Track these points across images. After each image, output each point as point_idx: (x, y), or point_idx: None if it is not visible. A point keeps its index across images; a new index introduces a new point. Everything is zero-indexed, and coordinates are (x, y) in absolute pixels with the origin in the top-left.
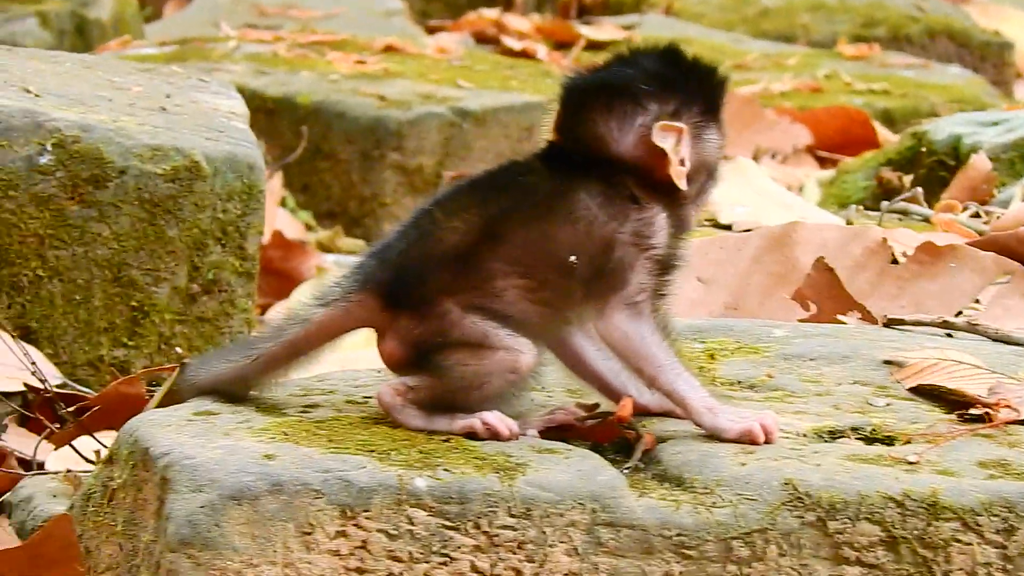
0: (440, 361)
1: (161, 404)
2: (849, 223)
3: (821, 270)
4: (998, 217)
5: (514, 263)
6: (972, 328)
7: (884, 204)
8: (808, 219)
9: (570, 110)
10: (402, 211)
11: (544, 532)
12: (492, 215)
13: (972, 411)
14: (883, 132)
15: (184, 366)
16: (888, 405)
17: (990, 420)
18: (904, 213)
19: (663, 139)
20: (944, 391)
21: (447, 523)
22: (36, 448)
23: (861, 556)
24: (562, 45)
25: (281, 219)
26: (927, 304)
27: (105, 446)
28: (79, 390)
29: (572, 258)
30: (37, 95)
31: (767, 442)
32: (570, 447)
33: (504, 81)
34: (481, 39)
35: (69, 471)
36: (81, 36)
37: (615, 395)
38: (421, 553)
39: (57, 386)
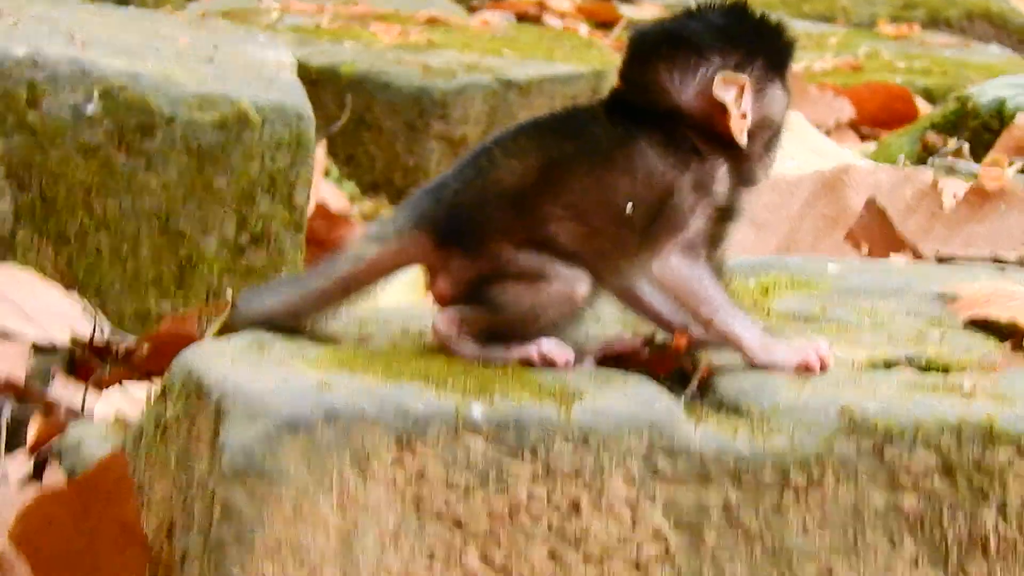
0: (496, 295)
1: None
2: None
3: (872, 211)
4: None
5: (570, 208)
6: (1023, 262)
7: (932, 160)
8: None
9: (635, 60)
10: None
11: (601, 460)
12: (552, 159)
13: None
14: (925, 108)
15: (236, 304)
16: (942, 336)
17: None
18: (951, 169)
19: (724, 91)
20: (998, 321)
21: (504, 451)
22: (84, 393)
23: (917, 483)
24: (603, 24)
25: (325, 190)
26: (977, 246)
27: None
28: (128, 344)
29: (629, 206)
30: (84, 44)
31: (822, 370)
32: (627, 375)
33: (548, 52)
34: (523, 18)
35: (120, 412)
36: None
37: (670, 326)
38: (478, 482)
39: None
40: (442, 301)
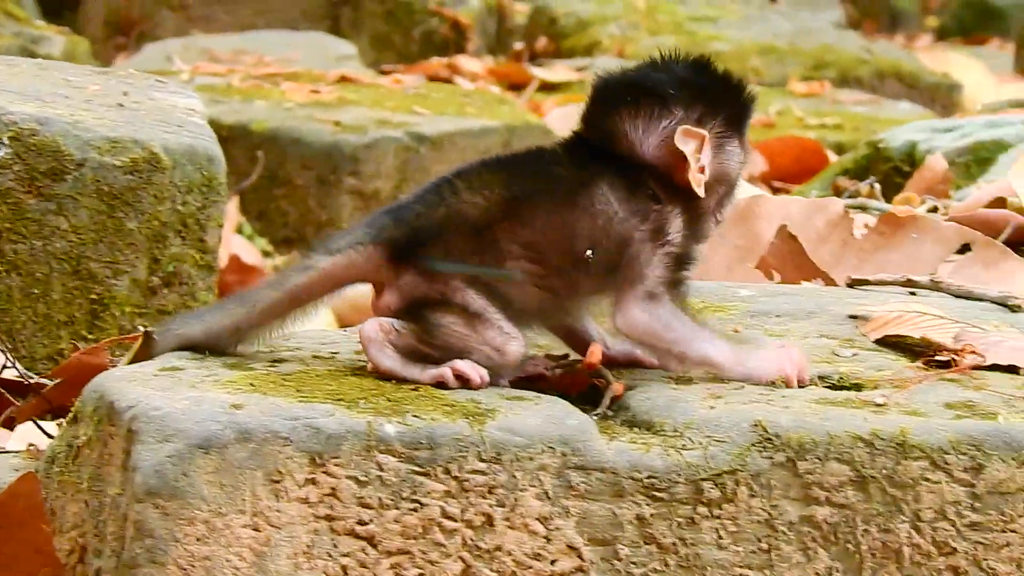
0: (435, 319)
1: None
2: None
3: (784, 239)
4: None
5: (528, 247)
6: (935, 285)
7: (844, 197)
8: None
9: (599, 106)
10: None
11: (515, 476)
12: (515, 197)
13: (938, 357)
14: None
15: (149, 335)
16: (855, 355)
17: (956, 365)
18: (862, 208)
19: (684, 143)
20: (910, 341)
21: (417, 469)
22: None
23: (831, 496)
24: (515, 87)
25: (237, 246)
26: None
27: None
28: (40, 380)
29: (588, 252)
30: None
31: (800, 381)
32: (539, 394)
33: (460, 108)
34: (435, 80)
35: (32, 446)
36: None
37: (583, 345)
38: (391, 499)
39: (15, 377)
40: (384, 316)
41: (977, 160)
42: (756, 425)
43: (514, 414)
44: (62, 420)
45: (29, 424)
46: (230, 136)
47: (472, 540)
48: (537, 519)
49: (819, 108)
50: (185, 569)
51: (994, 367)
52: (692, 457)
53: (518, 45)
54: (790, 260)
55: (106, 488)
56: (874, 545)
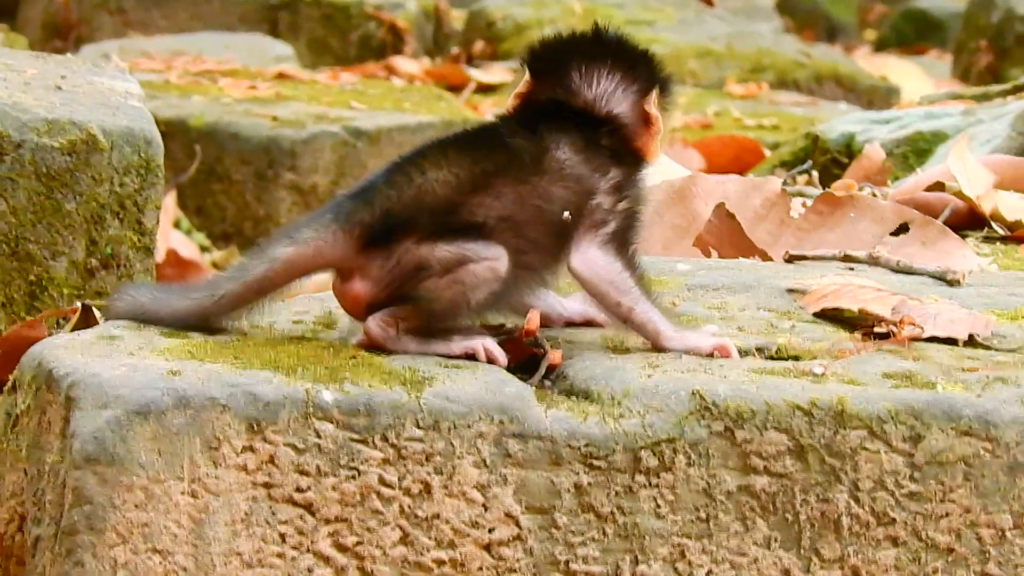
0: (424, 291)
1: None
2: None
3: (721, 216)
4: None
5: (504, 220)
6: (873, 260)
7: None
8: None
9: (544, 70)
10: None
11: (452, 444)
12: (483, 170)
13: (876, 329)
14: None
15: (88, 308)
16: (792, 328)
17: (894, 337)
18: (800, 195)
19: (655, 108)
20: (848, 313)
21: (354, 436)
22: None
23: (769, 465)
24: (452, 88)
25: (175, 240)
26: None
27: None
28: None
29: (566, 214)
30: None
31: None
32: (476, 363)
33: (397, 104)
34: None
35: None
36: None
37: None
38: (329, 467)
39: None
40: (356, 303)
41: (915, 151)
42: (694, 394)
43: (452, 382)
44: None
45: None
46: (168, 131)
47: (410, 508)
48: (475, 487)
49: (757, 109)
50: (123, 536)
51: (933, 339)
52: (630, 426)
53: (455, 49)
54: (727, 238)
55: (44, 456)
56: (813, 515)
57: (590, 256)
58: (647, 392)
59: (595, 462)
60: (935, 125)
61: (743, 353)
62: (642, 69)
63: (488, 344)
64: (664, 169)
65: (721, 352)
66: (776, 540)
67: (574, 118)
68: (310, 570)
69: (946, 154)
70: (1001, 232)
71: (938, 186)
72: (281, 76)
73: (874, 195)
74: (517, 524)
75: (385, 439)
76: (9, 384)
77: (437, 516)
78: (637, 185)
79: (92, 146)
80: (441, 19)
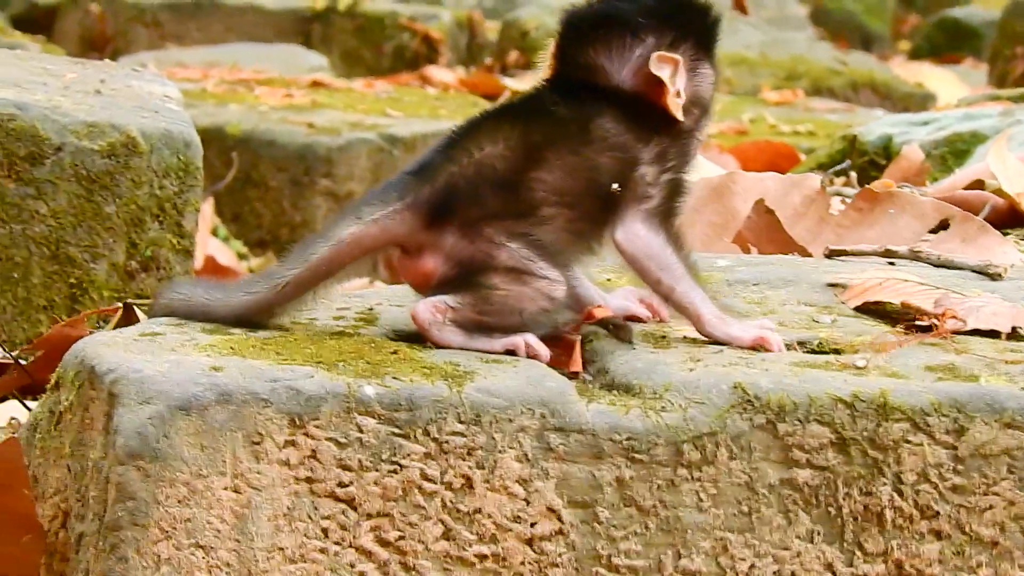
0: (484, 282)
1: None
2: None
3: (761, 213)
4: None
5: (559, 192)
6: (914, 255)
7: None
8: None
9: (571, 43)
10: None
11: (494, 438)
12: (536, 143)
13: (918, 323)
14: None
15: (129, 307)
16: (834, 322)
17: (936, 330)
18: (838, 195)
19: (660, 69)
20: (890, 307)
21: (396, 430)
22: None
23: (811, 458)
24: (487, 97)
25: (213, 247)
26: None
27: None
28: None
29: (615, 186)
30: None
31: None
32: (518, 357)
33: (432, 110)
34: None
35: (13, 419)
36: None
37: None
38: (371, 461)
39: None
40: (425, 280)
41: (954, 152)
42: (736, 387)
43: (493, 376)
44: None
45: (11, 402)
46: (204, 139)
47: (452, 502)
48: (517, 481)
49: (792, 116)
50: (167, 531)
51: (975, 331)
52: (671, 419)
53: (489, 59)
54: (767, 235)
55: (88, 452)
56: (855, 508)
57: (633, 230)
58: (688, 385)
59: (637, 456)
60: (973, 126)
61: (786, 347)
62: (646, 29)
63: (530, 339)
64: (701, 168)
65: (763, 345)
66: (819, 534)
67: (598, 89)
68: (352, 565)
69: (985, 153)
70: None
71: (978, 184)
72: (316, 84)
73: None
74: (559, 518)
75: (427, 433)
76: (52, 382)
77: (479, 511)
78: (682, 152)
79: (132, 149)
80: (475, 30)
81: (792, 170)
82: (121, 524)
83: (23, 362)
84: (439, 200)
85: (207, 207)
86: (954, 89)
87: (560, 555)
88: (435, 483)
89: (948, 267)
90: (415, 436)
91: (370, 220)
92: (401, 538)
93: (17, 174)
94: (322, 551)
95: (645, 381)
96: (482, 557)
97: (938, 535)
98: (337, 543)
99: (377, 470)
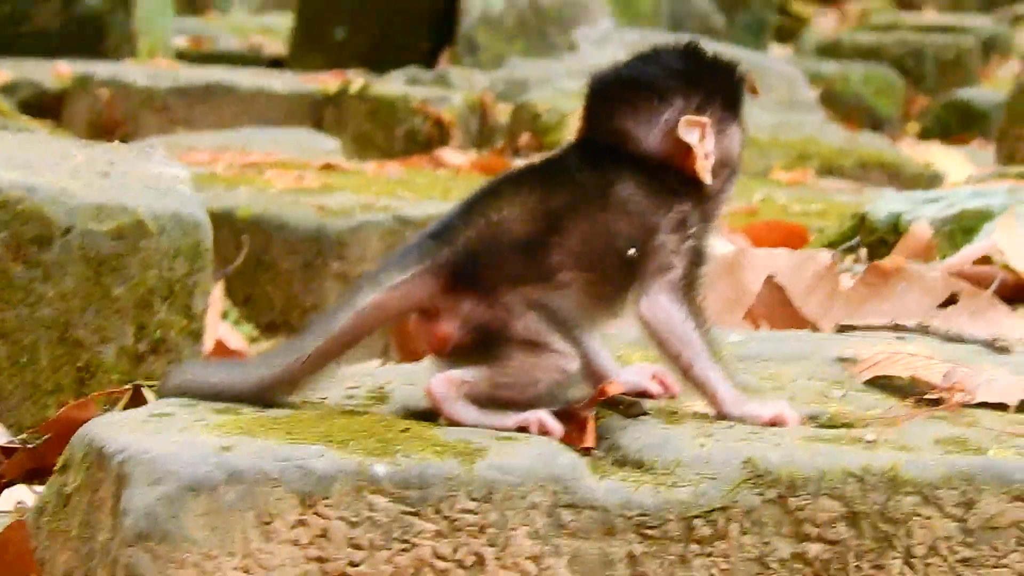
0: (499, 352)
1: None
2: None
3: (772, 288)
4: None
5: (578, 257)
6: (924, 330)
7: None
8: None
9: (597, 107)
10: None
11: (505, 515)
12: (555, 208)
13: (928, 396)
14: None
15: (138, 389)
16: (844, 396)
17: (946, 403)
18: (848, 272)
19: (688, 133)
20: (899, 381)
21: (408, 509)
22: None
23: (823, 532)
24: None
25: (223, 331)
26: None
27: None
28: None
29: (632, 251)
30: None
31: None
32: (529, 435)
33: (444, 192)
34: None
35: (20, 503)
36: None
37: (595, 377)
38: (382, 540)
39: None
40: (442, 344)
41: (962, 229)
42: (747, 462)
43: (505, 453)
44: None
45: (19, 487)
46: (214, 222)
47: None
48: (528, 558)
49: (802, 196)
50: None
51: (983, 404)
52: (683, 494)
53: (501, 142)
54: (777, 310)
55: (96, 534)
56: None
57: (658, 302)
58: (699, 460)
59: (648, 531)
60: (982, 203)
61: None
62: (674, 93)
63: (542, 416)
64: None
65: (779, 423)
66: None
67: (626, 153)
68: None
69: (993, 230)
70: None
71: (986, 260)
72: (328, 167)
73: None
74: None
75: (438, 511)
76: (60, 464)
77: None
78: (704, 219)
79: (140, 231)
80: (487, 113)
81: (802, 248)
82: None
83: (30, 446)
84: (458, 264)
85: (217, 290)
86: (963, 168)
87: None
88: (447, 561)
89: (957, 341)
90: (426, 514)
91: (390, 286)
92: None
93: (25, 257)
94: None
95: (656, 456)
96: None
97: None
98: None
99: (388, 549)
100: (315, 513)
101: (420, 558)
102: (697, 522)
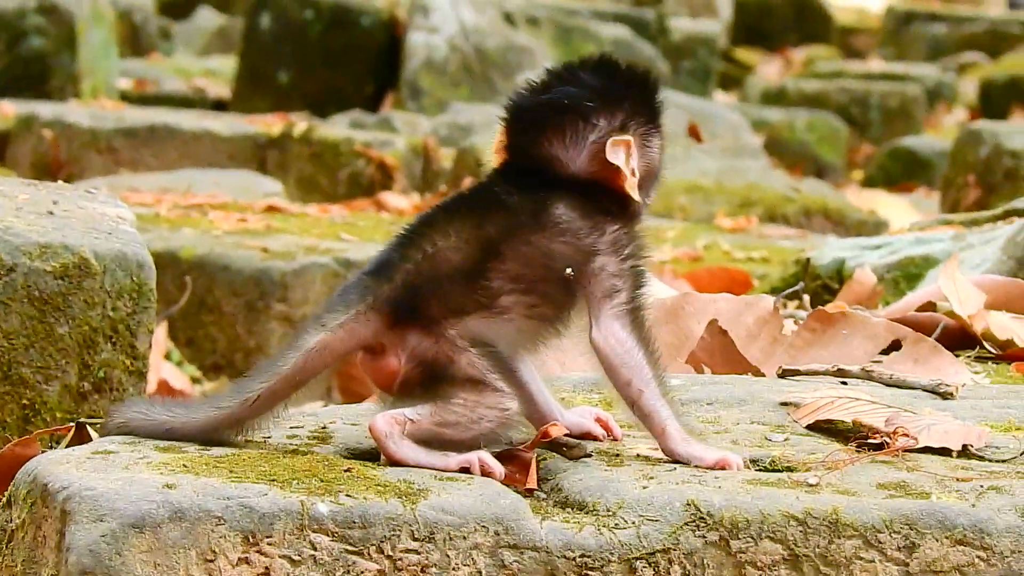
0: (443, 389)
1: None
2: None
3: (714, 334)
4: None
5: (517, 280)
6: (867, 375)
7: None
8: None
9: (520, 132)
10: None
11: (448, 555)
12: (491, 234)
13: (870, 441)
14: None
15: (81, 425)
16: (786, 440)
17: (888, 447)
18: (791, 318)
19: (615, 155)
20: (841, 425)
21: (350, 547)
22: None
23: (764, 574)
24: None
25: (166, 372)
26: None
27: None
28: None
29: (568, 270)
30: None
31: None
32: (472, 475)
33: (387, 235)
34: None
35: None
36: None
37: (538, 416)
38: None
39: None
40: (388, 379)
41: (906, 276)
42: (689, 504)
43: (447, 493)
44: None
45: None
46: (158, 263)
47: None
48: None
49: (746, 242)
50: None
51: (926, 449)
52: (625, 536)
53: (443, 186)
54: (720, 355)
55: (40, 571)
56: None
57: (611, 330)
58: (642, 503)
59: (590, 573)
60: (925, 250)
61: None
62: (596, 113)
63: (484, 457)
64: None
65: (724, 467)
66: None
67: (553, 177)
68: None
69: (936, 276)
70: (993, 351)
71: (929, 306)
72: (271, 209)
73: None
74: None
75: (380, 551)
76: (4, 500)
77: None
78: (638, 238)
79: (85, 270)
80: (430, 157)
81: (746, 294)
82: None
83: None
84: (399, 299)
85: (160, 331)
86: (906, 216)
87: None
88: None
89: (900, 387)
90: (368, 553)
91: (335, 326)
92: None
93: None
94: None
95: (599, 498)
96: None
97: None
98: None
99: None
100: (258, 551)
101: None
102: (639, 564)
